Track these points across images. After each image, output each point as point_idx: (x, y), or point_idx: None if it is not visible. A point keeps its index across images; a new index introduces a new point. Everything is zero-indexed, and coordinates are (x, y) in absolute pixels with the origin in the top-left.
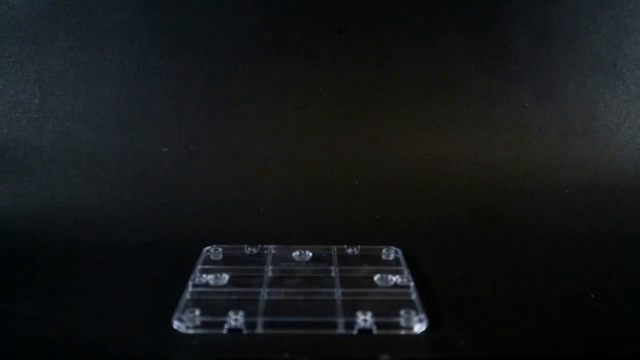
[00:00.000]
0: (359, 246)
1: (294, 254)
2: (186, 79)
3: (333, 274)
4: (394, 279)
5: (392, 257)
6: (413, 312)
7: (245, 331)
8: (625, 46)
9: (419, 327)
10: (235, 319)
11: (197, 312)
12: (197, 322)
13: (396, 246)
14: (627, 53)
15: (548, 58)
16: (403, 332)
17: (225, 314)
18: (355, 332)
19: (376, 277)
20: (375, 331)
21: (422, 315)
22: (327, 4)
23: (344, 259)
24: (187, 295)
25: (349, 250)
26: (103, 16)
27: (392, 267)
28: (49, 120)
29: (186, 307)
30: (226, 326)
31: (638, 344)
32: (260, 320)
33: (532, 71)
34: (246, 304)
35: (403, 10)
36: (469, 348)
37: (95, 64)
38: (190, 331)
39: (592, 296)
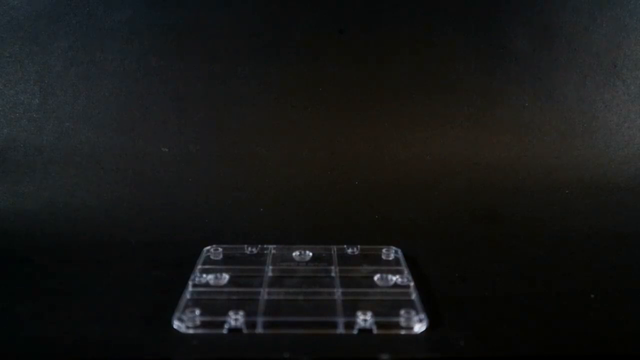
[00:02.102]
0: (358, 246)
1: (294, 254)
2: (186, 79)
3: (333, 274)
4: (394, 278)
5: (392, 257)
6: (413, 312)
7: (245, 331)
8: (625, 46)
9: (419, 327)
10: (235, 319)
11: (197, 312)
12: (197, 322)
13: (396, 246)
14: (627, 53)
15: (548, 58)
16: (403, 332)
17: (225, 313)
18: (355, 331)
19: (376, 277)
20: (375, 331)
21: (422, 315)
22: (327, 4)
23: (344, 259)
24: (187, 295)
25: (349, 250)
26: (103, 16)
27: (392, 267)
28: (49, 120)
29: (186, 307)
30: (226, 326)
31: (638, 344)
32: (260, 320)
33: (532, 71)
34: (246, 304)
35: (403, 10)
36: (469, 348)
37: (95, 64)
38: (190, 331)
39: (592, 296)
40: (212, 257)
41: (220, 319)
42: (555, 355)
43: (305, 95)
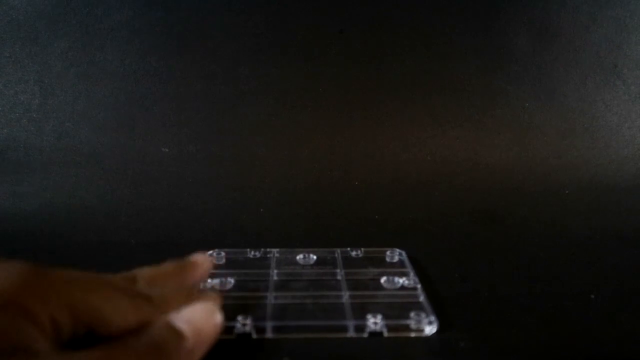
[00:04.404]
0: (362, 249)
1: (297, 258)
2: (186, 79)
3: (339, 277)
4: (401, 281)
5: (396, 259)
6: (423, 314)
7: (254, 336)
8: (626, 46)
9: (429, 329)
10: (243, 324)
11: None
12: None
13: (396, 246)
14: (627, 53)
15: (548, 58)
16: (413, 334)
17: (234, 319)
18: (365, 335)
19: (383, 280)
20: (386, 334)
21: (432, 317)
22: (327, 4)
23: (348, 262)
24: None
25: (353, 253)
26: (103, 16)
27: (398, 269)
28: (49, 120)
29: None
30: (235, 331)
31: (638, 343)
32: (269, 324)
33: (533, 71)
34: (254, 309)
35: (403, 10)
36: (469, 349)
37: (95, 64)
38: None
39: (592, 296)
40: (214, 261)
41: (229, 324)
42: (555, 356)
43: (305, 95)
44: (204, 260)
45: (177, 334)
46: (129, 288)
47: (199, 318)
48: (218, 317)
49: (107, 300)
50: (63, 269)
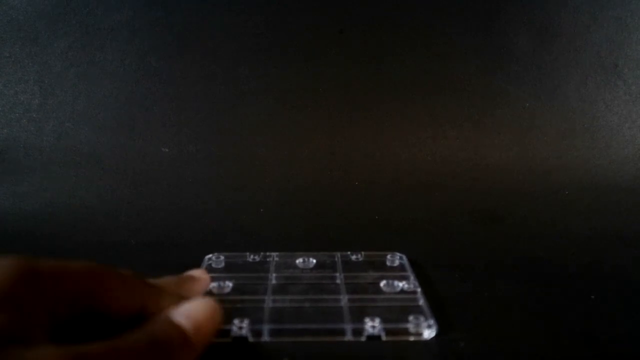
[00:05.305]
0: (362, 253)
1: (297, 261)
2: (186, 79)
3: (338, 281)
4: (401, 284)
5: (397, 263)
6: (422, 318)
7: (251, 339)
8: (627, 46)
9: (428, 333)
10: (240, 327)
11: None
12: None
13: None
14: (628, 53)
15: (549, 58)
16: (412, 338)
17: (230, 322)
18: (363, 338)
19: (382, 283)
20: (383, 337)
21: (431, 321)
22: (327, 4)
23: (348, 266)
24: None
25: (353, 257)
26: (103, 16)
27: (398, 273)
28: (49, 120)
29: None
30: (232, 334)
31: (638, 344)
32: (266, 328)
33: (533, 71)
34: (251, 312)
35: (403, 10)
36: (470, 349)
37: (95, 64)
38: None
39: (592, 296)
40: (214, 265)
41: (226, 327)
42: (555, 356)
43: (305, 95)
44: (201, 275)
45: (177, 329)
46: (123, 273)
47: (199, 313)
48: (218, 313)
49: (101, 285)
50: (55, 259)
